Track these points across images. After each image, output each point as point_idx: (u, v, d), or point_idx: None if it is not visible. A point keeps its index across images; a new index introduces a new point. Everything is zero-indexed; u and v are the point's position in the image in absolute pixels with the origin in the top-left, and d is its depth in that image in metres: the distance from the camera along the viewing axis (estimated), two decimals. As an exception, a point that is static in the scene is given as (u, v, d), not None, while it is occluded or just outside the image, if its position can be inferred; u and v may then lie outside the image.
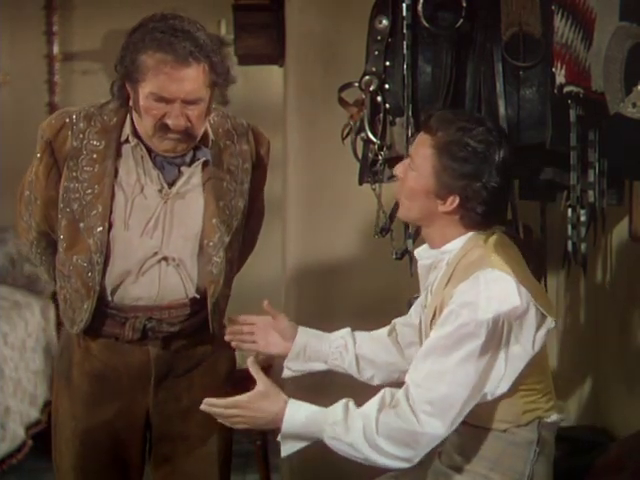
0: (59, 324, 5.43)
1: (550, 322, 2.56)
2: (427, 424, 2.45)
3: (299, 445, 2.57)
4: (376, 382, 2.91)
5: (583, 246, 3.08)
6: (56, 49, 6.07)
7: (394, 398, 2.50)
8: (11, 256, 5.68)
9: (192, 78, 2.74)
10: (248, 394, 2.61)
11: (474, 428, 2.61)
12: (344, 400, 2.55)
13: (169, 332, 2.95)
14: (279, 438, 2.57)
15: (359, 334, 2.95)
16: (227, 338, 2.98)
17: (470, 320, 2.45)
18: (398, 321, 2.98)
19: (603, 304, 3.79)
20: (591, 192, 3.03)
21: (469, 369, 2.46)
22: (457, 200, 2.55)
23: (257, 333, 2.97)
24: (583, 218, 3.06)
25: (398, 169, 2.68)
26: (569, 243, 3.10)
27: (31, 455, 5.08)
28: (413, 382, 2.49)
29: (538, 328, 2.54)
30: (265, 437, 4.31)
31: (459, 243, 2.60)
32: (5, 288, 5.56)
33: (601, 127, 2.99)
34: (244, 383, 4.15)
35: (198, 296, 2.95)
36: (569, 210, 3.07)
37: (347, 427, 2.49)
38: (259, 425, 2.65)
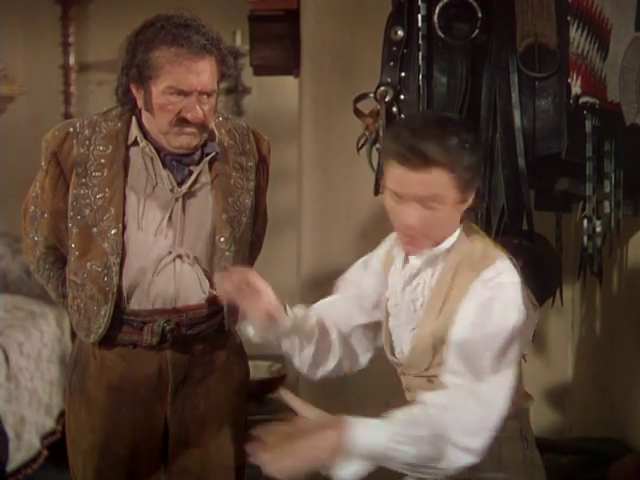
0: (74, 334, 5.44)
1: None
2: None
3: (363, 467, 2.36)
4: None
5: (599, 257, 3.07)
6: (72, 60, 6.09)
7: None
8: (26, 266, 5.65)
9: (207, 70, 2.80)
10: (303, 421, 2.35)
11: None
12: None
13: (187, 335, 2.95)
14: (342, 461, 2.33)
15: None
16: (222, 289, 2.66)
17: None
18: (350, 323, 2.78)
19: (619, 315, 3.78)
20: (607, 203, 3.03)
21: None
22: (477, 188, 2.50)
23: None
24: (599, 229, 3.05)
25: (414, 219, 2.47)
26: (585, 254, 3.10)
27: (46, 465, 5.08)
28: None
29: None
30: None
31: (456, 235, 2.55)
32: (21, 298, 5.58)
33: (617, 138, 2.98)
34: (257, 392, 4.19)
35: (214, 292, 2.94)
36: (585, 221, 3.07)
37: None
38: (322, 457, 2.34)
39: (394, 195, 2.47)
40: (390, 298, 2.69)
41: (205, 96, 2.81)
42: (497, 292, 2.45)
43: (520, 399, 2.64)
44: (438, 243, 2.56)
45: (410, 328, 2.62)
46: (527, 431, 2.65)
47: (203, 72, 2.79)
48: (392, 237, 2.69)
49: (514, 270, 2.50)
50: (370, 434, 2.35)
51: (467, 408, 2.39)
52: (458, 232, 2.56)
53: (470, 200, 2.51)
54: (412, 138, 2.41)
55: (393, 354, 2.68)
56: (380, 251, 2.79)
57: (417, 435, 2.36)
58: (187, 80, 2.77)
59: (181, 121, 2.81)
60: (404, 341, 2.65)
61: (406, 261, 2.64)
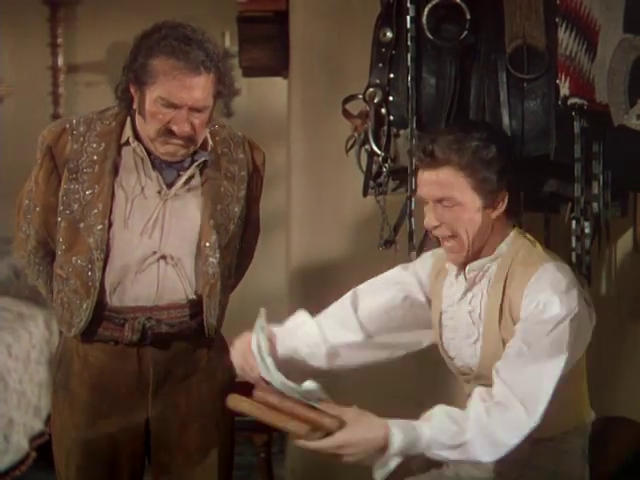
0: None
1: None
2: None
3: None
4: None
5: (587, 258, 3.07)
6: (60, 61, 6.09)
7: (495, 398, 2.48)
8: (15, 267, 5.68)
9: (201, 86, 2.81)
10: (343, 432, 2.41)
11: None
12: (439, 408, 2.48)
13: (168, 333, 2.97)
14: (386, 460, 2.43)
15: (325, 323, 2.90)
16: None
17: (554, 319, 2.52)
18: (370, 307, 2.91)
19: (608, 316, 3.78)
20: (595, 204, 3.03)
21: (559, 364, 2.52)
22: (506, 196, 2.64)
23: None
24: (587, 230, 3.06)
25: (431, 221, 2.64)
26: (573, 255, 3.10)
27: (35, 467, 5.07)
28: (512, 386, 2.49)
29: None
30: (269, 449, 4.29)
31: (508, 242, 2.69)
32: (9, 299, 5.56)
33: (605, 139, 2.98)
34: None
35: (196, 297, 2.98)
36: (573, 222, 3.07)
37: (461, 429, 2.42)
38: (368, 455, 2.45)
39: (423, 201, 2.63)
40: (446, 311, 2.75)
41: (196, 111, 2.82)
42: (548, 296, 2.53)
43: (585, 414, 2.66)
44: (484, 253, 2.67)
45: (471, 340, 2.70)
46: (586, 447, 2.71)
47: (197, 88, 2.80)
48: (437, 252, 2.76)
49: (562, 273, 2.58)
50: (410, 440, 2.39)
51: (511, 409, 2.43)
52: (508, 240, 2.67)
53: (500, 207, 2.63)
54: (428, 140, 2.60)
55: (454, 364, 2.75)
56: (427, 262, 2.81)
57: (456, 443, 2.40)
58: (179, 94, 2.79)
59: (168, 132, 2.84)
60: (465, 353, 2.72)
61: (459, 274, 2.72)
